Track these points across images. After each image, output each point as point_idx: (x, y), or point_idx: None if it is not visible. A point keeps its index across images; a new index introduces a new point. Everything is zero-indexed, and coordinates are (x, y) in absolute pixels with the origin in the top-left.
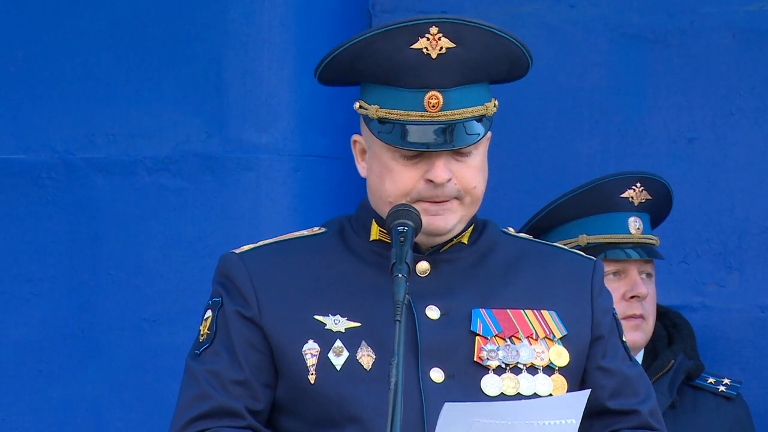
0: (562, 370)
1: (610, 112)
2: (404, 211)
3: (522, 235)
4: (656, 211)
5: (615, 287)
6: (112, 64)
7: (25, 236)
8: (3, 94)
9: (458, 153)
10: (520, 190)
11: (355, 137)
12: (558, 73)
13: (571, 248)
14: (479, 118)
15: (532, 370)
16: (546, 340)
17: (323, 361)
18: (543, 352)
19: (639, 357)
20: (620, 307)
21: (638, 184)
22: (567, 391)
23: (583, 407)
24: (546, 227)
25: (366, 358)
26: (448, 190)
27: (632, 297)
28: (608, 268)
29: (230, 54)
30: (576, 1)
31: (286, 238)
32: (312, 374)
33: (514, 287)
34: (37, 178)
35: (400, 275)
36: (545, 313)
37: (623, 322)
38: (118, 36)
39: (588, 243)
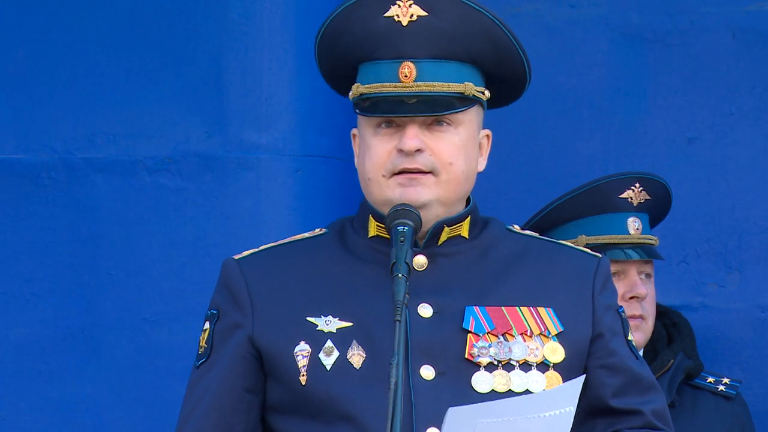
0: (557, 367)
1: (610, 112)
2: (404, 211)
3: (527, 232)
4: (655, 211)
5: None
6: (112, 64)
7: (25, 236)
8: (3, 94)
9: (434, 126)
10: (520, 190)
11: (354, 131)
12: (558, 73)
13: None
14: (458, 97)
15: (525, 366)
16: (541, 336)
17: (314, 361)
18: (537, 348)
19: None
20: None
21: (637, 185)
22: None
23: (578, 393)
24: (545, 227)
25: (356, 357)
26: (421, 160)
27: (632, 297)
28: None
29: (230, 54)
30: (576, 1)
31: (287, 241)
32: (303, 375)
33: (512, 284)
34: (37, 178)
35: (399, 275)
36: (541, 310)
37: None
38: (118, 36)
39: (587, 243)
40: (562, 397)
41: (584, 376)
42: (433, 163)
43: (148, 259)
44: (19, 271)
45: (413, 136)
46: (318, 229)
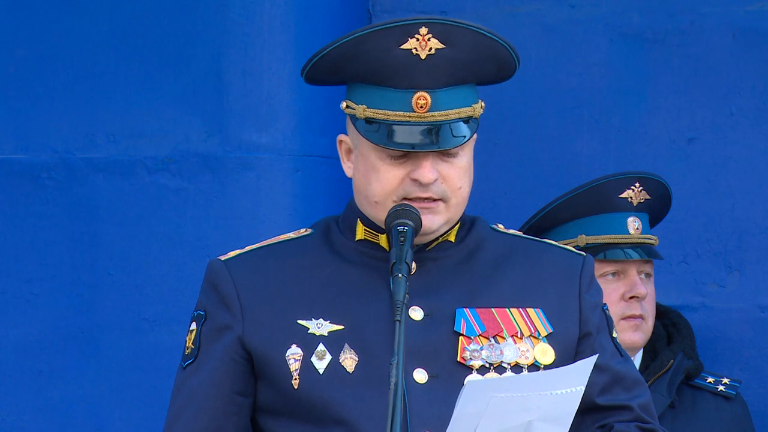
0: (548, 368)
1: (610, 112)
2: (404, 211)
3: (512, 231)
4: (655, 211)
5: (614, 287)
6: (112, 64)
7: (25, 236)
8: (3, 94)
9: (445, 154)
10: (520, 190)
11: (341, 137)
12: (558, 73)
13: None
14: (466, 120)
15: (517, 368)
16: (531, 338)
17: (306, 365)
18: (528, 350)
19: (638, 357)
20: (619, 307)
21: (637, 184)
22: None
23: (589, 373)
24: (545, 227)
25: (349, 360)
26: (435, 189)
27: (631, 297)
28: (607, 268)
29: (230, 54)
30: (576, 1)
31: (273, 242)
32: (295, 379)
33: (500, 286)
34: (37, 178)
35: (400, 275)
36: (531, 311)
37: (623, 323)
38: (118, 36)
39: (587, 243)
40: (574, 376)
41: (596, 355)
42: (444, 191)
43: (148, 259)
44: (19, 271)
45: (430, 168)
46: (303, 229)
